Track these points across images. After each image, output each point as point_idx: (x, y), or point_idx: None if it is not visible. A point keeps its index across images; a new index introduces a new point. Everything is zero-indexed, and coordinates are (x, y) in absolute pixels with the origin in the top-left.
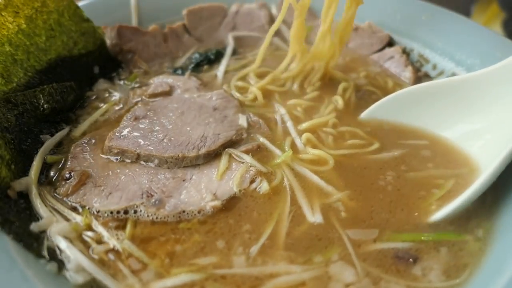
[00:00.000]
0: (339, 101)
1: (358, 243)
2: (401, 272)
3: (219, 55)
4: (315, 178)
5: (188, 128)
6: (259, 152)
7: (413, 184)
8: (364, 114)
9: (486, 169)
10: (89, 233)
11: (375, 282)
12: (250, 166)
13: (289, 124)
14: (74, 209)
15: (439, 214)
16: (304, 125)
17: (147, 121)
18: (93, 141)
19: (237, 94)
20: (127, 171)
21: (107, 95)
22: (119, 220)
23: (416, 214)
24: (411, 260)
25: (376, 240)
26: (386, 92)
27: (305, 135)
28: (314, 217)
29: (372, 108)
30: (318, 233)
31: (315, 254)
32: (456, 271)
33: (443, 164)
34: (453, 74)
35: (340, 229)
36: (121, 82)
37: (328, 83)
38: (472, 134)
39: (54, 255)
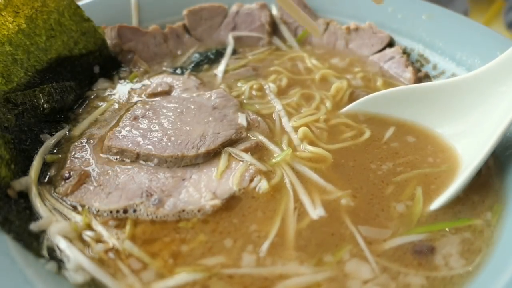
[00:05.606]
0: (327, 103)
1: (370, 240)
2: (423, 264)
3: (219, 55)
4: (315, 177)
5: (188, 128)
6: (259, 151)
7: (408, 177)
8: (345, 109)
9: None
10: (89, 233)
11: (393, 277)
12: (250, 164)
13: (285, 120)
14: (73, 208)
15: (435, 204)
16: (296, 122)
17: (147, 120)
18: (93, 140)
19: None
20: (126, 170)
21: (107, 94)
22: (119, 219)
23: (418, 204)
24: (427, 251)
25: (387, 239)
26: None
27: (302, 130)
28: (316, 212)
29: (353, 105)
30: (328, 229)
31: (326, 253)
32: (471, 254)
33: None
34: (454, 74)
35: (351, 226)
36: (121, 82)
37: (322, 83)
38: (458, 133)
39: (53, 255)
